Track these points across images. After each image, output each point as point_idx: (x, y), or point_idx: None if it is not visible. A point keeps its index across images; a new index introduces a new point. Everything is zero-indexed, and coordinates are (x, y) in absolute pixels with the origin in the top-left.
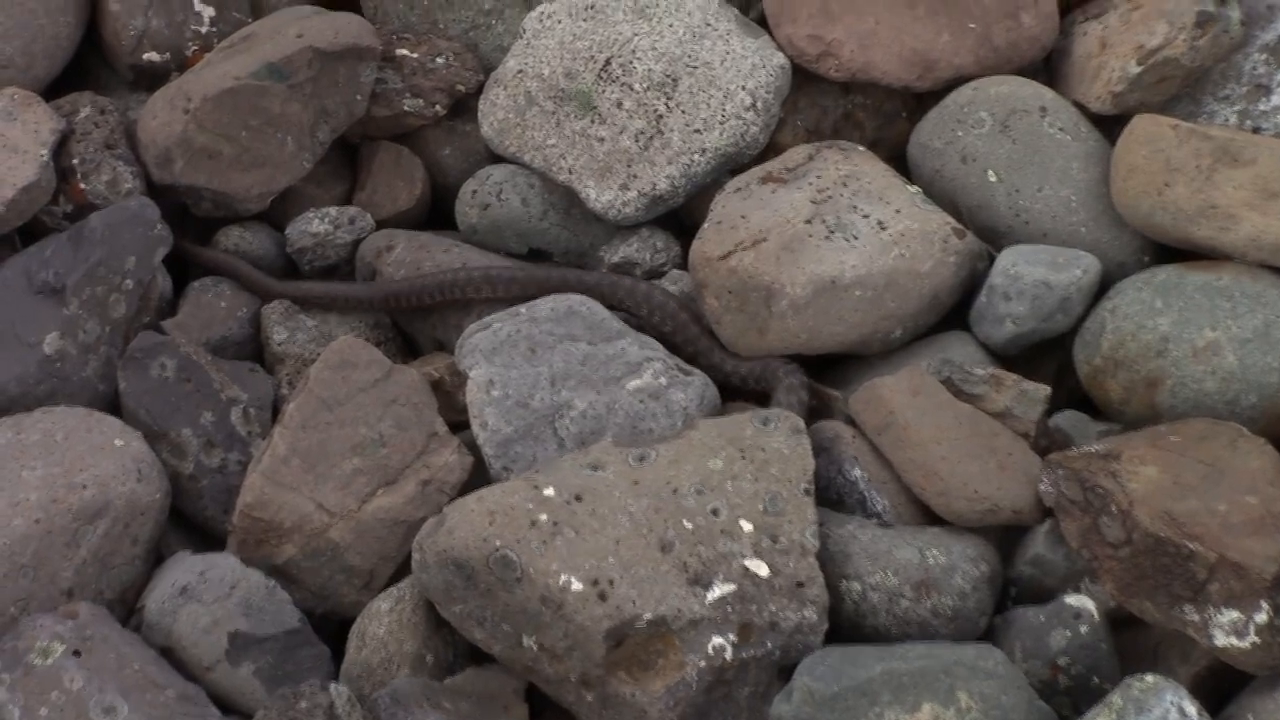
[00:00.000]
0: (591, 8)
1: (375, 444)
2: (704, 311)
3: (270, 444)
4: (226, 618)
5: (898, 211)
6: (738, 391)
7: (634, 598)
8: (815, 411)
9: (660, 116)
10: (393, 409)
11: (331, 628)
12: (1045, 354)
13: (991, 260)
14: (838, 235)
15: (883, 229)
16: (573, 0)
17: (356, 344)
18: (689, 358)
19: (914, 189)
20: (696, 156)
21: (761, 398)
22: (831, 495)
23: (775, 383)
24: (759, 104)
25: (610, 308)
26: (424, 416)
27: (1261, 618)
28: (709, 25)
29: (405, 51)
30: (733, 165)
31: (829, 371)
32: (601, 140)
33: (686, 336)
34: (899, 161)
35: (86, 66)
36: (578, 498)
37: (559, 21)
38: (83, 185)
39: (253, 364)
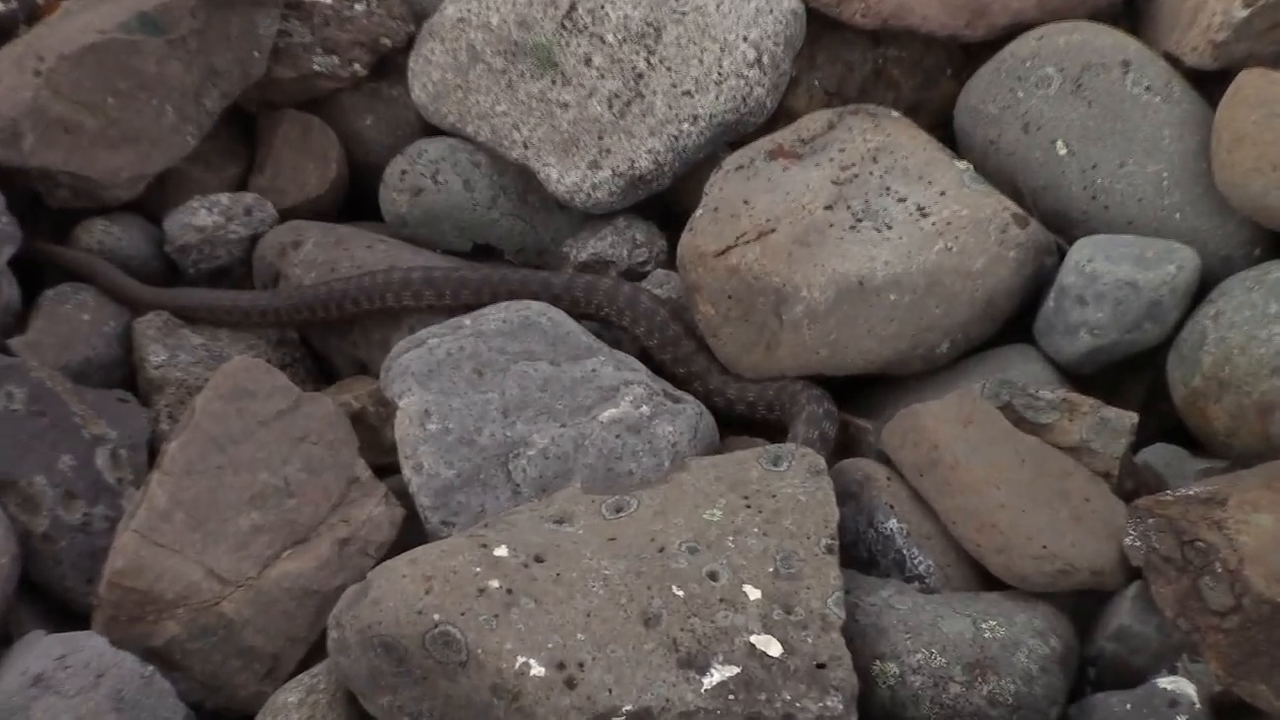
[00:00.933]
0: None
1: (280, 493)
2: (697, 322)
3: (146, 494)
4: (93, 714)
5: (942, 194)
6: (741, 422)
7: (610, 685)
8: (840, 448)
9: (640, 76)
10: (302, 448)
11: None
12: (1131, 373)
13: (1062, 255)
14: (866, 224)
15: (923, 216)
16: None
17: (255, 367)
18: (680, 380)
19: (963, 165)
20: (686, 126)
21: (771, 429)
22: (861, 553)
23: (791, 411)
24: (765, 59)
25: (579, 317)
26: (341, 458)
27: None
28: None
29: None
30: (732, 137)
31: (856, 397)
32: (565, 106)
33: (678, 354)
34: (944, 130)
35: None
36: (538, 559)
37: None
38: None
39: (123, 393)
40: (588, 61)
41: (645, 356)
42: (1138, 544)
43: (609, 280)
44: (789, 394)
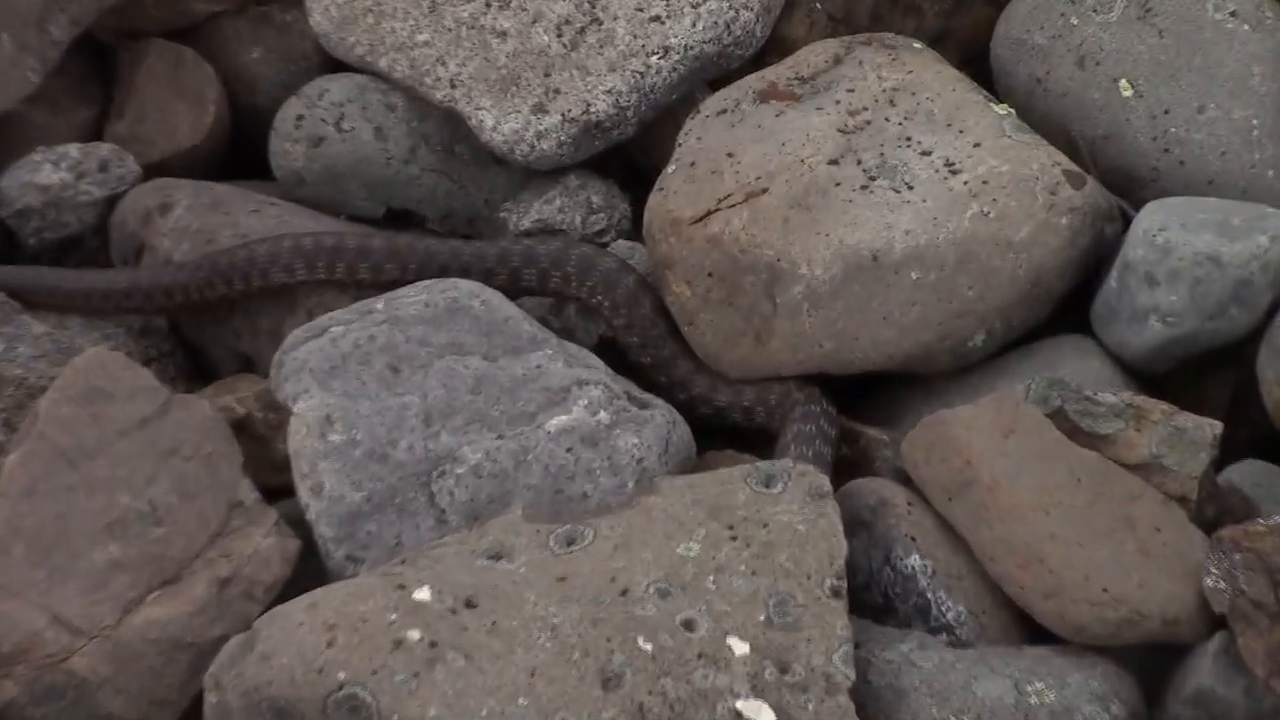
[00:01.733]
0: None
1: (144, 520)
2: (669, 306)
3: None
4: None
5: (976, 145)
6: (723, 430)
7: None
8: (848, 465)
9: None
10: (172, 464)
11: None
12: (1212, 371)
13: (1127, 222)
14: (882, 183)
15: (953, 173)
16: None
17: (113, 362)
18: (650, 370)
19: (1002, 109)
20: (654, 59)
21: (761, 440)
22: (875, 597)
23: (785, 418)
24: None
25: (521, 293)
26: (221, 476)
27: None
28: None
29: None
30: (713, 74)
31: (868, 400)
32: (503, 35)
33: (647, 338)
34: (978, 66)
35: None
36: (469, 604)
37: None
38: None
39: None
40: None
41: (609, 346)
42: (1221, 585)
43: (556, 242)
44: (779, 398)
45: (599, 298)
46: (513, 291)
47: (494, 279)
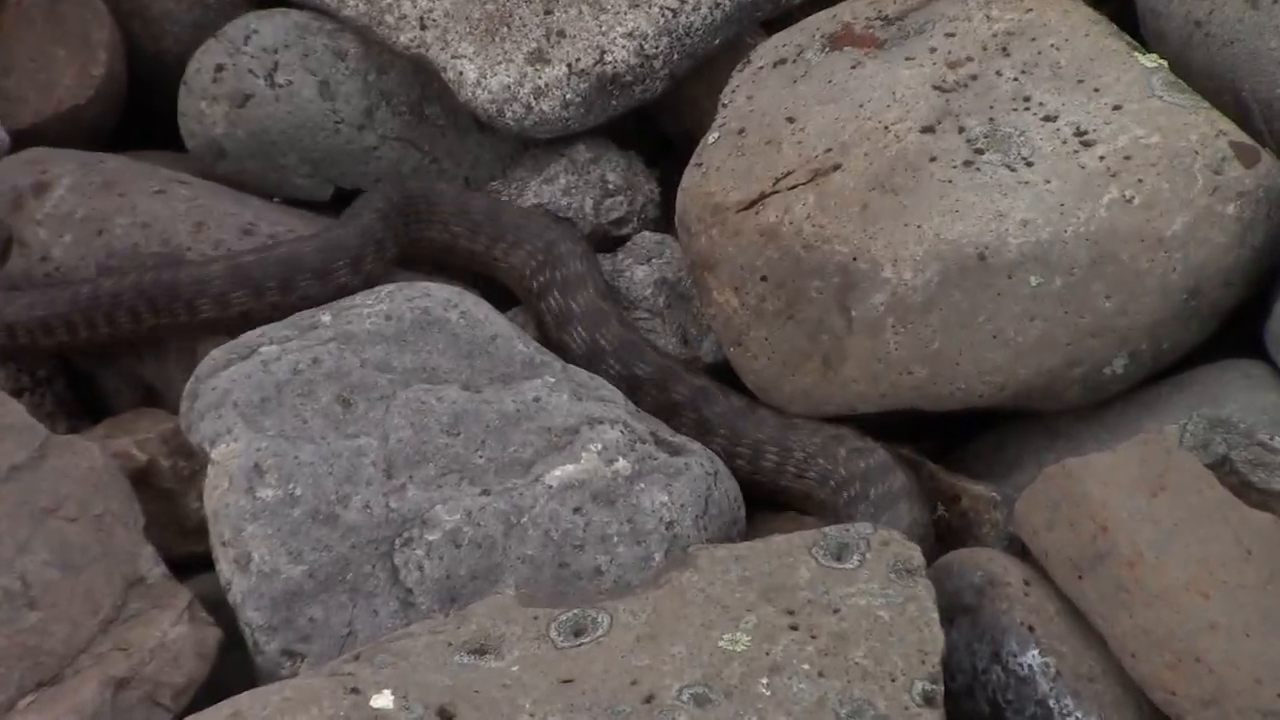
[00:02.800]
0: None
1: (13, 601)
2: (708, 319)
3: None
4: None
5: (1116, 108)
6: (776, 493)
7: None
8: (944, 530)
9: None
10: (50, 527)
11: None
12: None
13: None
14: (992, 158)
15: (1085, 145)
16: None
17: None
18: (667, 413)
19: (1150, 61)
20: None
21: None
22: (980, 705)
23: (866, 474)
24: None
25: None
26: (116, 543)
27: None
28: None
29: None
30: (768, 11)
31: (970, 446)
32: None
33: (606, 336)
34: (1120, 2)
35: None
36: (444, 714)
37: None
38: None
39: None
40: None
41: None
42: None
43: (447, 188)
44: (837, 445)
45: (528, 283)
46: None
47: (360, 269)
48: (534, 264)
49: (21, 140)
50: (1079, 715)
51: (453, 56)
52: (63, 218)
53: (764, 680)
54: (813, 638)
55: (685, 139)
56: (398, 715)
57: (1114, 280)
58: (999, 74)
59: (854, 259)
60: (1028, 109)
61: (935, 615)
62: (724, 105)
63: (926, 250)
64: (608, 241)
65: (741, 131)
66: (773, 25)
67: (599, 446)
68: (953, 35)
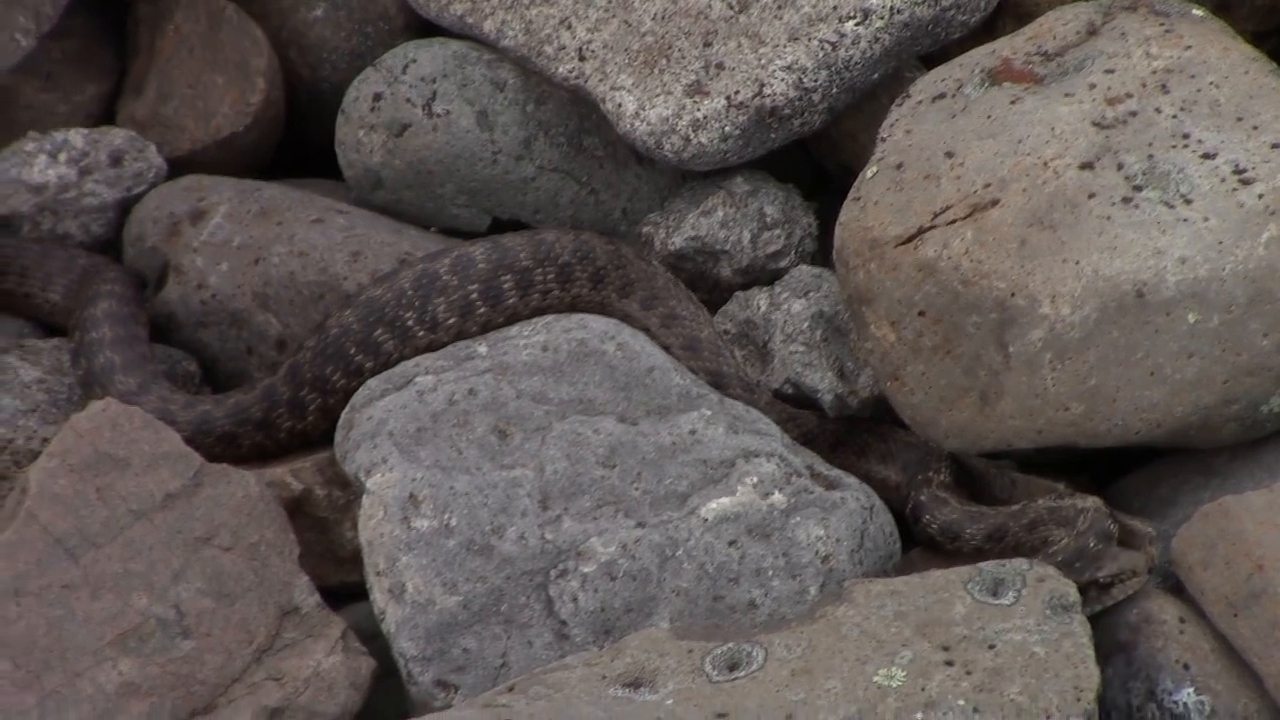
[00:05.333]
0: None
1: (167, 630)
2: (864, 353)
3: None
4: None
5: (1275, 147)
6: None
7: None
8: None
9: None
10: (205, 556)
11: None
12: None
13: None
14: (1150, 195)
15: (1244, 183)
16: None
17: (128, 418)
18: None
19: None
20: (849, 25)
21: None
22: None
23: (1049, 516)
24: None
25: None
26: (270, 572)
27: None
28: None
29: None
30: (928, 46)
31: (1125, 481)
32: None
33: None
34: (1279, 39)
35: None
36: None
37: None
38: None
39: None
40: None
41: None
42: None
43: (556, 232)
44: (1022, 485)
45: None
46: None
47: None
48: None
49: (179, 168)
50: None
51: (611, 88)
52: (219, 245)
53: (919, 716)
54: (968, 674)
55: (843, 173)
56: None
57: (1272, 318)
58: (1158, 111)
59: (1012, 295)
60: (1186, 146)
61: (1091, 652)
62: (882, 139)
63: (1085, 287)
64: (765, 275)
65: (900, 166)
66: (932, 60)
67: (754, 480)
68: (1112, 72)
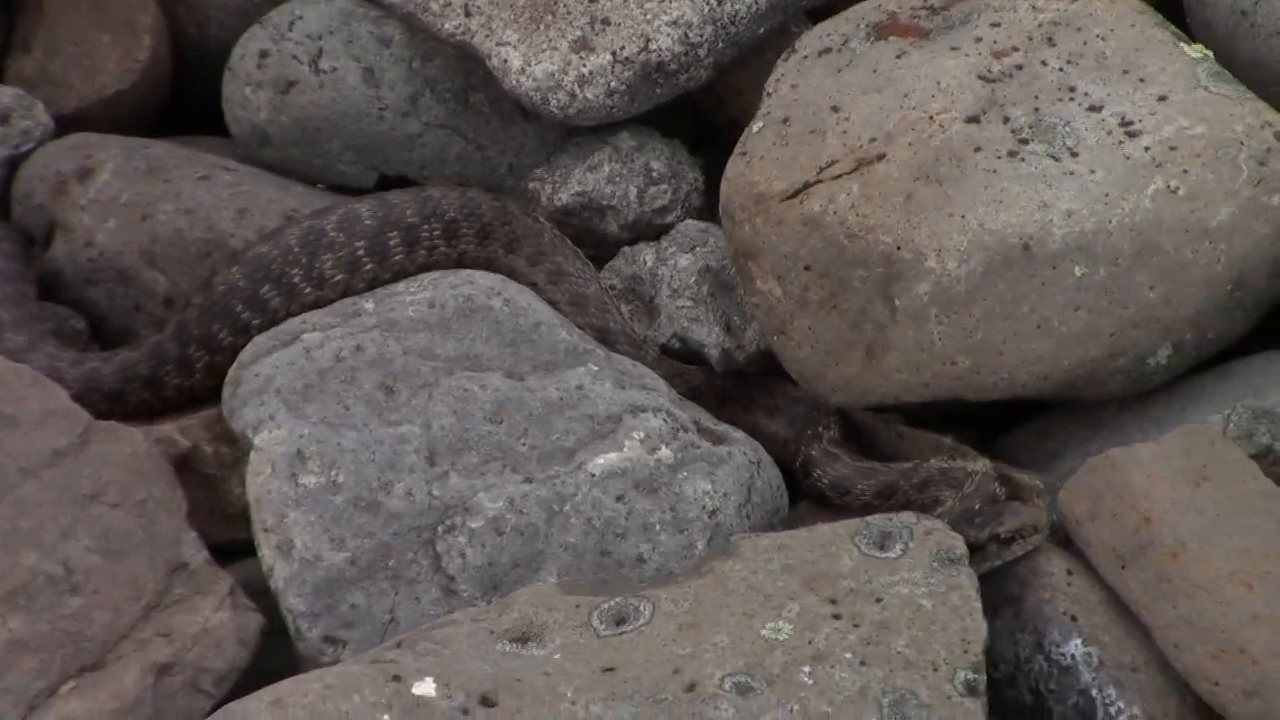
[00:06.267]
0: None
1: (56, 587)
2: (751, 308)
3: None
4: None
5: (1161, 99)
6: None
7: None
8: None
9: None
10: (93, 513)
11: None
12: None
13: None
14: (1037, 148)
15: (1130, 135)
16: None
17: (15, 376)
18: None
19: (1196, 51)
20: None
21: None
22: (1023, 695)
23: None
24: None
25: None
26: (159, 529)
27: None
28: None
29: None
30: (813, 1)
31: (1013, 435)
32: None
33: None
34: None
35: None
36: (486, 702)
37: None
38: None
39: None
40: None
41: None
42: None
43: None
44: (915, 442)
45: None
46: None
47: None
48: None
49: (65, 125)
50: (1121, 705)
51: (497, 44)
52: (106, 203)
53: (806, 669)
54: (855, 627)
55: (729, 128)
56: (439, 703)
57: (1158, 271)
58: (1044, 64)
59: (898, 249)
60: (1073, 99)
61: (978, 604)
62: (768, 94)
63: (970, 240)
64: (651, 230)
65: (786, 121)
66: (818, 14)
67: (642, 435)
68: (998, 25)
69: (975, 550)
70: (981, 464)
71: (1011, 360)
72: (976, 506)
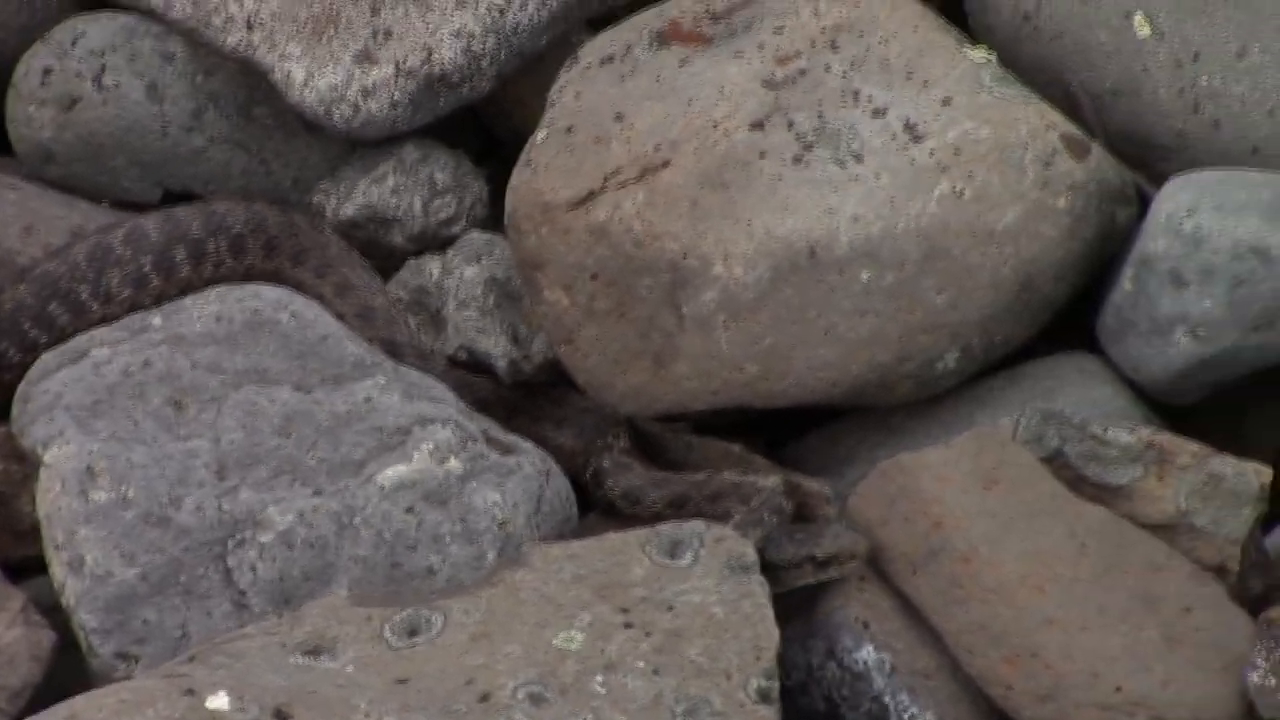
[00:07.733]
0: None
1: None
2: (538, 319)
3: None
4: None
5: (945, 102)
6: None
7: None
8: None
9: None
10: None
11: None
12: (1260, 401)
13: (1145, 205)
14: (821, 153)
15: (915, 139)
16: None
17: None
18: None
19: (979, 55)
20: None
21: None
22: (815, 701)
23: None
24: None
25: None
26: None
27: None
28: None
29: None
30: (595, 9)
31: (803, 441)
32: None
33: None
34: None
35: None
36: (280, 714)
37: None
38: None
39: None
40: None
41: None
42: (1271, 682)
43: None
44: (698, 449)
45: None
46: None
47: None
48: None
49: None
50: (915, 711)
51: (280, 58)
52: None
53: (599, 678)
54: (647, 635)
55: (514, 138)
56: (234, 716)
57: (945, 275)
58: (828, 69)
59: (684, 256)
60: (857, 104)
61: (770, 612)
62: (552, 103)
63: (757, 247)
64: (437, 241)
65: (570, 130)
66: (599, 24)
67: (430, 446)
68: (781, 31)
69: (790, 567)
70: (772, 480)
71: (800, 366)
72: (765, 518)
